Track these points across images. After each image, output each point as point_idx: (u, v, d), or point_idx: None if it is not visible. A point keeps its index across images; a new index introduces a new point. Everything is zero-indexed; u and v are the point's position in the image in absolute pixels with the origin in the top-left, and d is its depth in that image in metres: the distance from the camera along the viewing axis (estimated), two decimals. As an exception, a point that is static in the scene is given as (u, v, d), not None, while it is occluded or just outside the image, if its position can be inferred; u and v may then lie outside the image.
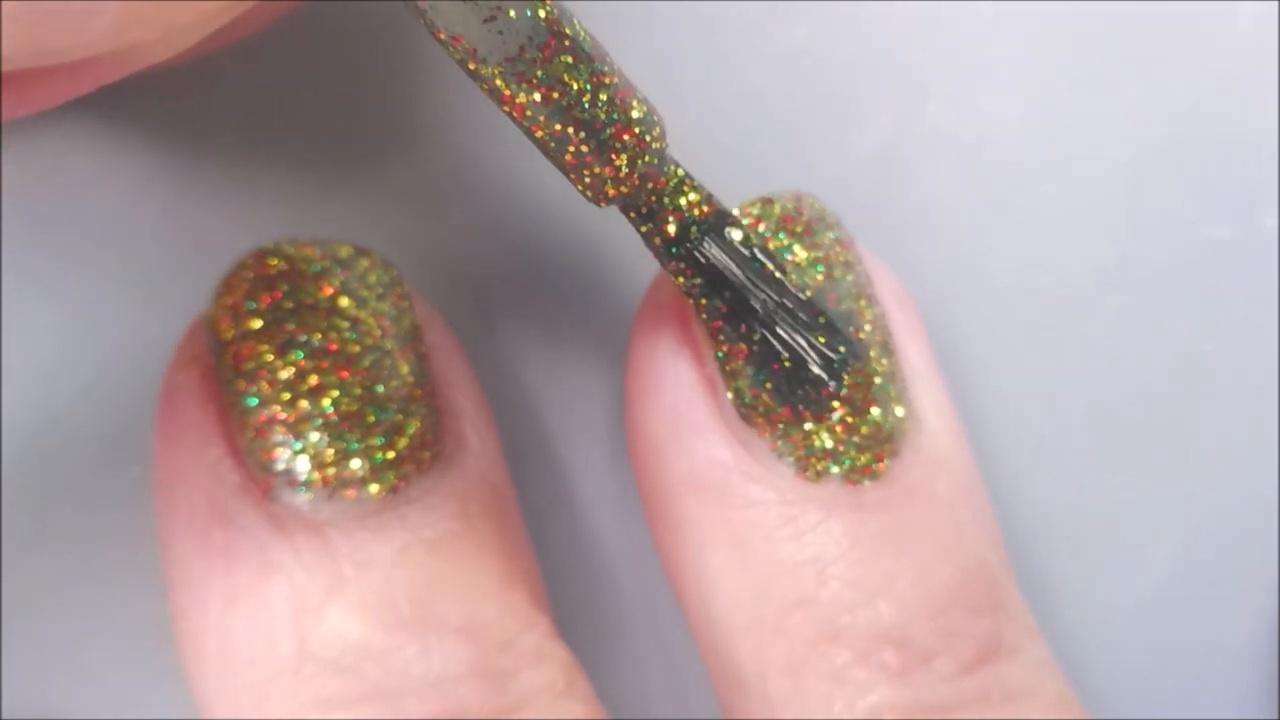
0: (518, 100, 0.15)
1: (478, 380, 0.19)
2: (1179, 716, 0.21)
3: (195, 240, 0.21)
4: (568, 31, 0.15)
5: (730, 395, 0.18)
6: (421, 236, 0.21)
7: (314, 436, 0.17)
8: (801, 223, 0.18)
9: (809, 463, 0.17)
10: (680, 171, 0.17)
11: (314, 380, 0.17)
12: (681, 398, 0.18)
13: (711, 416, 0.18)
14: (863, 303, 0.18)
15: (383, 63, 0.20)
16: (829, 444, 0.17)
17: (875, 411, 0.17)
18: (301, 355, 0.17)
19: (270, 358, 0.17)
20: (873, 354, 0.18)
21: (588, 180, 0.16)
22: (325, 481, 0.17)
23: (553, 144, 0.16)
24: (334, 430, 0.17)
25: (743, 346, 0.17)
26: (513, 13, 0.15)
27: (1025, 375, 0.21)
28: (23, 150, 0.20)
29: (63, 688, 0.19)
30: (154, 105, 0.20)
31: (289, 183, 0.21)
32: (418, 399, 0.17)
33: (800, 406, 0.17)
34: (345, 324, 0.17)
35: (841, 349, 0.17)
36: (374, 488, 0.17)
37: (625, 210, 0.17)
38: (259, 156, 0.21)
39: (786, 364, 0.17)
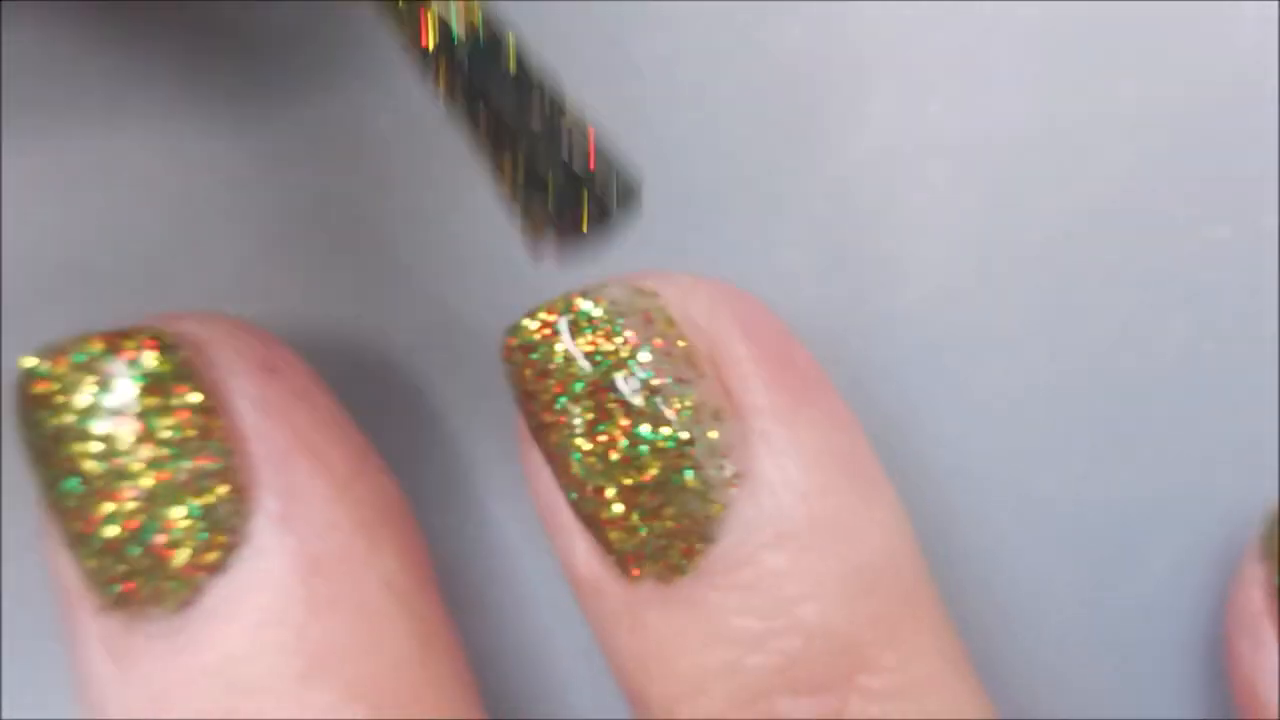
0: None
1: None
2: (1179, 716, 0.21)
3: (195, 240, 0.21)
4: None
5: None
6: (423, 234, 0.21)
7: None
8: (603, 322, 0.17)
9: (628, 564, 0.17)
10: None
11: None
12: (546, 494, 0.18)
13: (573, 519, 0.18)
14: (688, 395, 0.17)
15: (383, 62, 0.20)
16: (638, 542, 0.17)
17: (684, 503, 0.17)
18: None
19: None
20: (691, 435, 0.17)
21: None
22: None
23: None
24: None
25: (504, 167, 0.15)
26: None
27: (1025, 375, 0.21)
28: (23, 150, 0.20)
29: (63, 688, 0.19)
30: (154, 105, 0.20)
31: (289, 182, 0.21)
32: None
33: (554, 227, 0.15)
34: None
35: (619, 176, 0.15)
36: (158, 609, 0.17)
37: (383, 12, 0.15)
38: (259, 156, 0.21)
39: (556, 177, 0.15)
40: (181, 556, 0.16)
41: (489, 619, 0.21)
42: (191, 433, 0.17)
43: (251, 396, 0.17)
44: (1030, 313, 0.21)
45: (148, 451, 0.17)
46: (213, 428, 0.17)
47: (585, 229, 0.15)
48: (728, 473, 0.17)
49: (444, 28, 0.15)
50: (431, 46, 0.15)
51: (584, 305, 0.17)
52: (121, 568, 0.17)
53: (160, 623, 0.17)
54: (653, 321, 0.17)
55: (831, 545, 0.17)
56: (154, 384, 0.17)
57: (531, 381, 0.17)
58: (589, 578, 0.18)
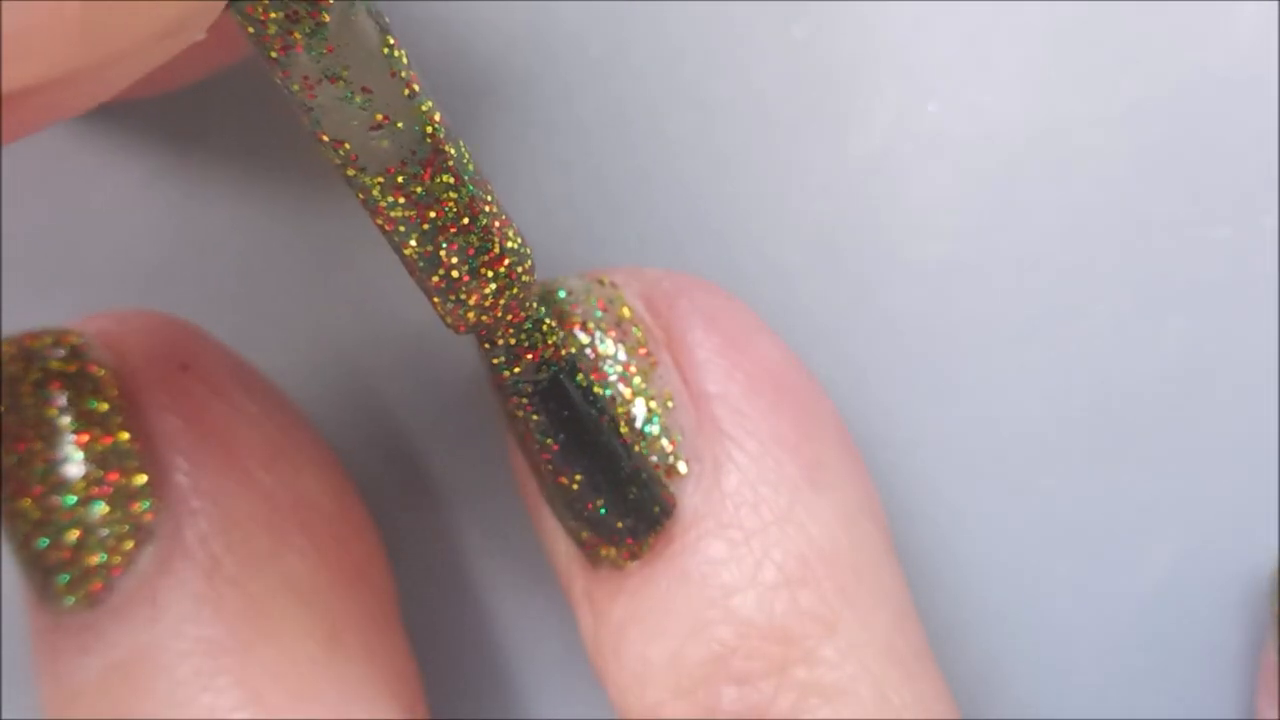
0: (392, 214, 0.15)
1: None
2: (1179, 716, 0.21)
3: (195, 240, 0.21)
4: (451, 151, 0.15)
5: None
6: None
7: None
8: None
9: (587, 550, 0.18)
10: (541, 310, 0.16)
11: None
12: (528, 484, 0.18)
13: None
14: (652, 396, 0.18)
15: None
16: (597, 527, 0.17)
17: (635, 489, 0.17)
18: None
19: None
20: (642, 421, 0.17)
21: (450, 305, 0.16)
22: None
23: (421, 264, 0.15)
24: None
25: (562, 487, 0.17)
26: (401, 124, 0.14)
27: (1025, 375, 0.21)
28: (23, 150, 0.20)
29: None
30: (154, 105, 0.20)
31: (289, 182, 0.21)
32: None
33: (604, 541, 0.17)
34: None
35: (656, 509, 0.17)
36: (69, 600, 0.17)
37: (481, 341, 0.16)
38: (259, 156, 0.21)
39: (601, 512, 0.17)
40: (87, 554, 0.17)
41: (490, 616, 0.21)
42: (97, 433, 0.17)
43: (160, 395, 0.17)
44: (1030, 312, 0.21)
45: (55, 450, 0.17)
46: (120, 427, 0.17)
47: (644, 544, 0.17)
48: (677, 460, 0.17)
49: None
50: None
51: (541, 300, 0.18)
52: (35, 563, 0.17)
53: (75, 620, 0.17)
54: (609, 310, 0.18)
55: (773, 535, 0.17)
56: (62, 384, 0.17)
57: (497, 375, 0.18)
58: (564, 565, 0.18)
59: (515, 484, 0.19)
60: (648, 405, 0.17)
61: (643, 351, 0.18)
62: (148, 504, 0.17)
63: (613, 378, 0.17)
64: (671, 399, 0.18)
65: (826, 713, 0.17)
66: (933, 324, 0.21)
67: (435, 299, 0.16)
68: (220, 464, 0.17)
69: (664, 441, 0.17)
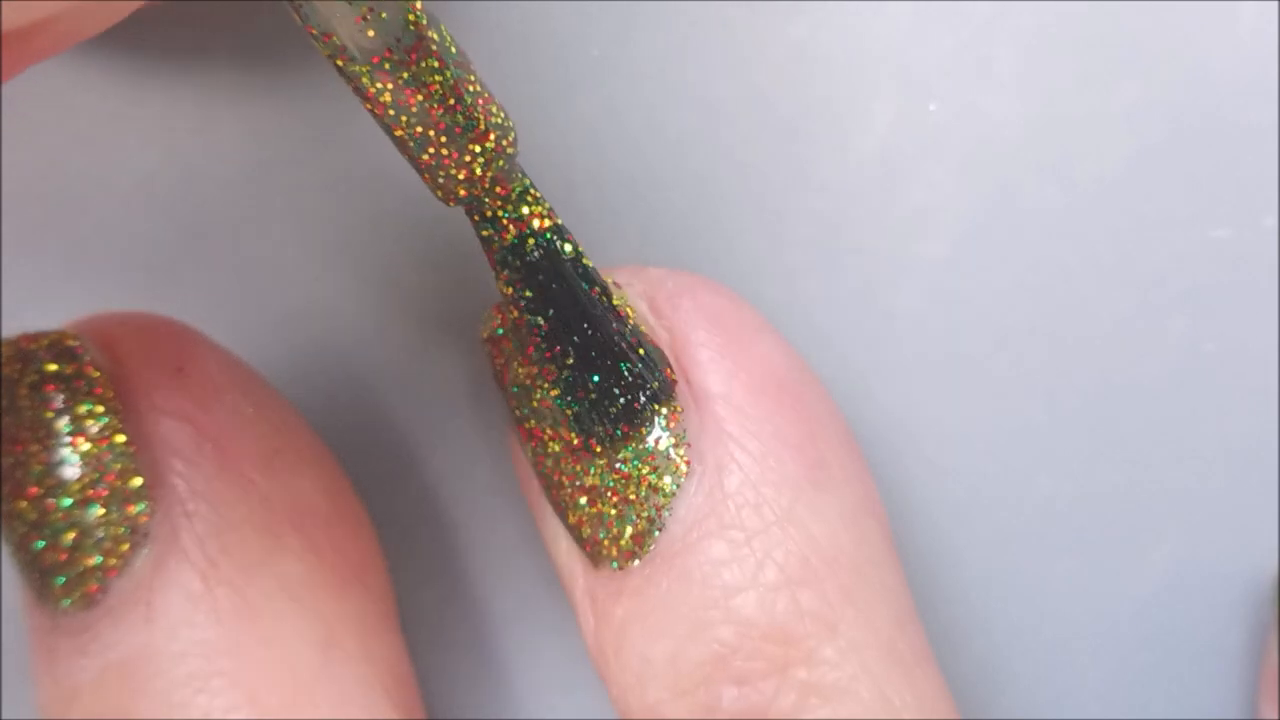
0: (382, 99, 0.16)
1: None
2: (1179, 716, 0.21)
3: (195, 240, 0.21)
4: (434, 35, 0.16)
5: (525, 417, 0.18)
6: (423, 230, 0.21)
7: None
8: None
9: (588, 550, 0.18)
10: (526, 181, 0.17)
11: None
12: (530, 485, 0.19)
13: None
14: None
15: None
16: (598, 525, 0.18)
17: (635, 489, 0.17)
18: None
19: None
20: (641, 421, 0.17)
21: (441, 180, 0.16)
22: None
23: (412, 143, 0.16)
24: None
25: (553, 369, 0.17)
26: (385, 14, 0.15)
27: (1025, 375, 0.21)
28: (23, 150, 0.20)
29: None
30: (154, 105, 0.20)
31: (289, 182, 0.21)
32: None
33: (594, 439, 0.17)
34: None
35: (654, 384, 0.17)
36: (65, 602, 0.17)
37: (470, 213, 0.17)
38: (259, 156, 0.21)
39: (592, 396, 0.17)
40: (83, 555, 0.17)
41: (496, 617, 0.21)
42: (94, 435, 0.17)
43: (156, 398, 0.18)
44: (1030, 312, 0.21)
45: (51, 452, 0.17)
46: (116, 429, 0.17)
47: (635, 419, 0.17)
48: (678, 459, 0.17)
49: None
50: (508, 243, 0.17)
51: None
52: (32, 565, 0.17)
53: (72, 621, 0.17)
54: None
55: (775, 536, 0.17)
56: (58, 387, 0.17)
57: (499, 374, 0.18)
58: (565, 565, 0.18)
59: (517, 485, 0.19)
60: (649, 405, 0.18)
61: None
62: (143, 506, 0.17)
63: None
64: (675, 399, 0.18)
65: (826, 713, 0.17)
66: (933, 324, 0.21)
67: (426, 175, 0.16)
68: (216, 467, 0.18)
69: (667, 441, 0.17)
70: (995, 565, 0.21)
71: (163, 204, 0.20)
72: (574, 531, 0.18)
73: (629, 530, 0.17)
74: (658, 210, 0.21)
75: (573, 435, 0.17)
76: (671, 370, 0.17)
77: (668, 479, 0.17)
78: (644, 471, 0.17)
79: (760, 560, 0.17)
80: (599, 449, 0.17)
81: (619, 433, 0.17)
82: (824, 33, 0.20)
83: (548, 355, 0.17)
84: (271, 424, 0.18)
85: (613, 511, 0.17)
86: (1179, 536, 0.21)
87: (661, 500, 0.17)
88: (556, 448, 0.18)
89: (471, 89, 0.16)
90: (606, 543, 0.17)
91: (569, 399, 0.17)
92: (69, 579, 0.17)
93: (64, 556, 0.17)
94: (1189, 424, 0.21)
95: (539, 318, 0.17)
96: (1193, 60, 0.21)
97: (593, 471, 0.17)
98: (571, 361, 0.17)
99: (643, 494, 0.17)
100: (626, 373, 0.17)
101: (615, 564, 0.17)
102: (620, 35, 0.20)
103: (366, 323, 0.21)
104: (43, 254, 0.20)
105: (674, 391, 0.17)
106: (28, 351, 0.17)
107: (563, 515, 0.18)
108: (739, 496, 0.17)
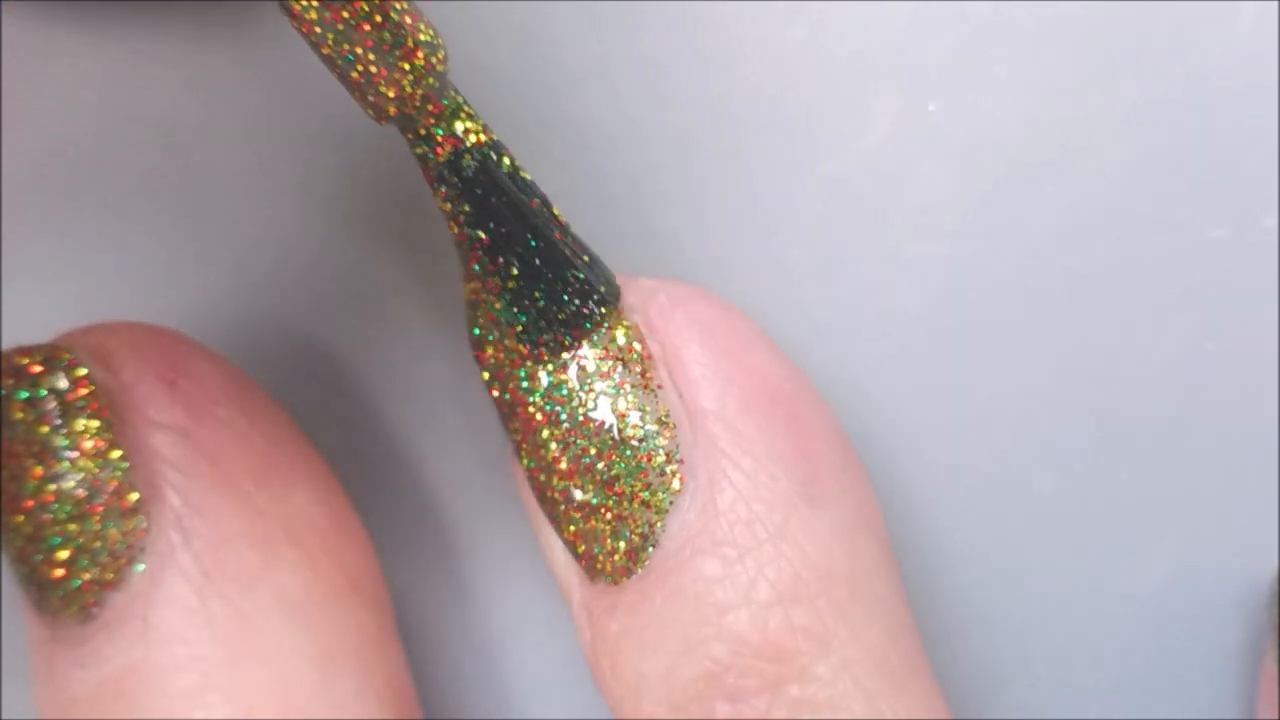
0: (307, 17, 0.16)
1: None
2: (1179, 716, 0.21)
3: (195, 240, 0.21)
4: None
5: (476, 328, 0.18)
6: (425, 232, 0.21)
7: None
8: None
9: (583, 563, 0.18)
10: (459, 98, 0.17)
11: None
12: (530, 499, 0.18)
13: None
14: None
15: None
16: (593, 540, 0.17)
17: (630, 505, 0.17)
18: None
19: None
20: (637, 438, 0.17)
21: (371, 99, 0.16)
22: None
23: (340, 62, 0.16)
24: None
25: (497, 282, 0.17)
26: None
27: (1025, 375, 0.21)
28: (23, 149, 0.20)
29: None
30: (154, 104, 0.20)
31: (289, 181, 0.21)
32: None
33: (542, 348, 0.17)
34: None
35: (602, 288, 0.17)
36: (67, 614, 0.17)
37: (404, 130, 0.17)
38: (259, 155, 0.20)
39: (540, 303, 0.17)
40: (80, 569, 0.17)
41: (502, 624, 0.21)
42: (89, 449, 0.17)
43: (151, 411, 0.18)
44: (1030, 312, 0.21)
45: (47, 467, 0.17)
46: (111, 445, 0.17)
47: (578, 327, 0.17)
48: (671, 477, 0.17)
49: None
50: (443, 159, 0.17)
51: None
52: (29, 578, 0.17)
53: (70, 633, 0.17)
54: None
55: (768, 553, 0.17)
56: (54, 402, 0.17)
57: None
58: (563, 576, 0.18)
59: (516, 493, 0.19)
60: (644, 421, 0.17)
61: (640, 369, 0.18)
62: (139, 521, 0.17)
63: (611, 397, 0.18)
64: (668, 416, 0.17)
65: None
66: (933, 324, 0.21)
67: (356, 93, 0.16)
68: (211, 480, 0.18)
69: (661, 458, 0.17)
70: (995, 565, 0.21)
71: (163, 203, 0.20)
72: (569, 546, 0.18)
73: (623, 546, 0.17)
74: (656, 210, 0.21)
75: (521, 345, 0.17)
76: (612, 278, 0.18)
77: (661, 495, 0.17)
78: (637, 488, 0.17)
79: (753, 578, 0.17)
80: (547, 356, 0.17)
81: (569, 339, 0.17)
82: (824, 33, 0.20)
83: (490, 268, 0.17)
84: (267, 436, 0.18)
85: (606, 527, 0.17)
86: (1179, 536, 0.21)
87: (655, 516, 0.17)
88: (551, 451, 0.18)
89: (399, 5, 0.16)
90: (601, 558, 0.17)
91: (515, 310, 0.17)
92: (66, 593, 0.17)
93: (60, 571, 0.17)
94: (1189, 424, 0.21)
95: (479, 231, 0.17)
96: (1193, 60, 0.21)
97: (588, 488, 0.17)
98: (516, 272, 0.17)
99: (636, 510, 0.17)
100: (573, 279, 0.17)
101: (609, 579, 0.17)
102: (620, 35, 0.20)
103: (367, 324, 0.21)
104: (43, 253, 0.20)
105: (620, 295, 0.17)
106: (22, 366, 0.17)
107: (558, 529, 0.18)
108: (732, 513, 0.17)
